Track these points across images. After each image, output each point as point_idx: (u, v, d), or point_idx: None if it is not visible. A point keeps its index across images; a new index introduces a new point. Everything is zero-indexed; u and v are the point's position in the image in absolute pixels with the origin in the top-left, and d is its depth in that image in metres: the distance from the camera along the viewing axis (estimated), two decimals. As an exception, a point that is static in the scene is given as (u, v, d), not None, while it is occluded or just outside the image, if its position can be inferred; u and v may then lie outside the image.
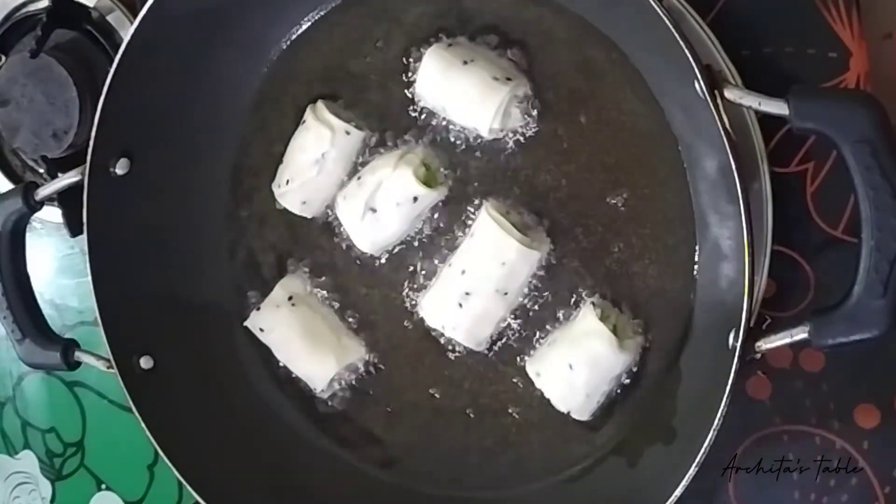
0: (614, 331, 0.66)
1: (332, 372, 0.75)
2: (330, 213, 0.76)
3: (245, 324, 0.77)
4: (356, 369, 0.76)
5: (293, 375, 0.77)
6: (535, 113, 0.70)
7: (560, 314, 0.70)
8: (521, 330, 0.71)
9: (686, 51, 0.55)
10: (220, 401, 0.76)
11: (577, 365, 0.67)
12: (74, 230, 0.74)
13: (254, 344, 0.77)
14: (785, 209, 0.65)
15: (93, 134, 0.69)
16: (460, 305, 0.70)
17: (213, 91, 0.76)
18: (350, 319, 0.76)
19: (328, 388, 0.76)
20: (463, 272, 0.70)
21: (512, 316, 0.71)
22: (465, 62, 0.69)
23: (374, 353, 0.76)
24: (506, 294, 0.69)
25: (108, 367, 0.71)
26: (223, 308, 0.79)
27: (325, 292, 0.77)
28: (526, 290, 0.70)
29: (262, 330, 0.76)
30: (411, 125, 0.73)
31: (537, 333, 0.71)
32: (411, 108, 0.73)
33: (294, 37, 0.77)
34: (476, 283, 0.69)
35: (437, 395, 0.74)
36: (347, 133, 0.73)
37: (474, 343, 0.71)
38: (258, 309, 0.77)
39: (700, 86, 0.55)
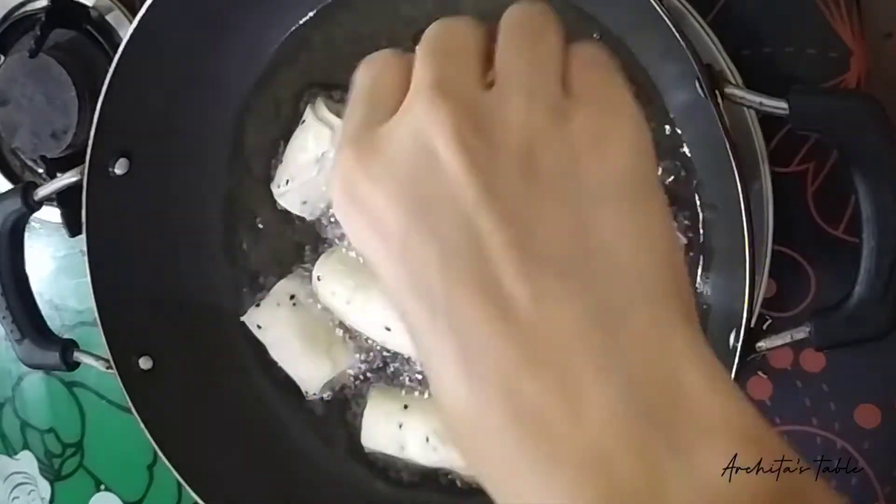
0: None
1: (327, 376, 0.74)
2: (330, 213, 0.75)
3: (242, 318, 0.76)
4: (354, 372, 0.76)
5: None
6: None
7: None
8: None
9: (687, 50, 0.55)
10: (220, 401, 0.76)
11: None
12: (74, 230, 0.73)
13: (254, 344, 0.77)
14: (785, 209, 0.65)
15: (92, 134, 0.69)
16: (460, 306, 0.69)
17: (212, 90, 0.76)
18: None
19: (320, 392, 0.76)
20: (463, 272, 0.69)
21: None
22: (465, 62, 0.68)
23: (372, 355, 0.76)
24: (506, 294, 0.69)
25: (108, 368, 0.70)
26: (223, 308, 0.79)
27: (324, 292, 0.77)
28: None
29: (259, 327, 0.76)
30: (411, 125, 0.73)
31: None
32: (411, 107, 0.73)
33: (293, 35, 0.77)
34: (476, 284, 0.69)
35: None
36: (348, 132, 0.73)
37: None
38: (258, 305, 0.77)
39: (701, 85, 0.55)
